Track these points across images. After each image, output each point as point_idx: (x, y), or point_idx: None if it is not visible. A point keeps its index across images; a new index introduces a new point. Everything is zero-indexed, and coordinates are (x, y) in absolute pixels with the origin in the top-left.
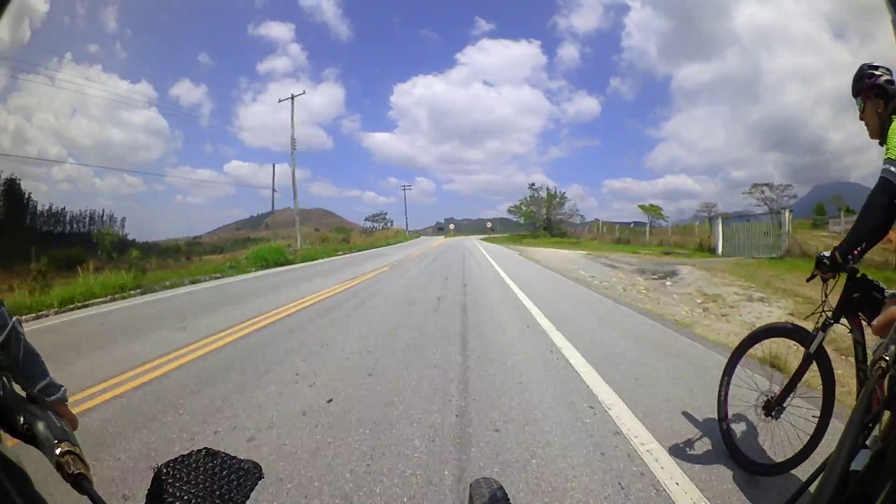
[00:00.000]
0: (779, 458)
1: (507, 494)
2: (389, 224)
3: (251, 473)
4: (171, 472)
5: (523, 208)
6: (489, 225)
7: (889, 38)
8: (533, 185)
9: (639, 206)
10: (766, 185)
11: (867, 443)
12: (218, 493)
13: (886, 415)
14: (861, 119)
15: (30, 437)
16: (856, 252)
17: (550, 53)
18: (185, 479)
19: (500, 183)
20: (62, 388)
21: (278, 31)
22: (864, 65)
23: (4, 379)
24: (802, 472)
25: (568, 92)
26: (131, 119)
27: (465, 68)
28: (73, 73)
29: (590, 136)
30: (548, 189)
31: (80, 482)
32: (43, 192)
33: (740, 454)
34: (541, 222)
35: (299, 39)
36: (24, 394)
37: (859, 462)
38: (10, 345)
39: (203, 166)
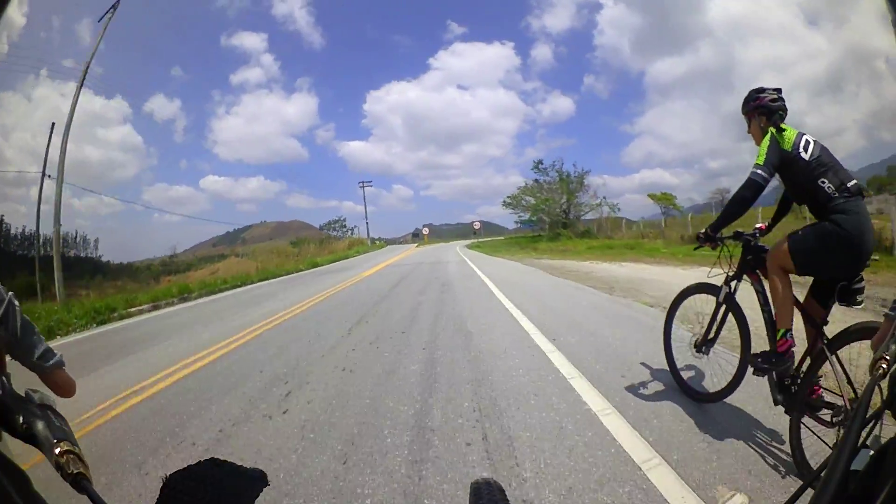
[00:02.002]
0: (714, 388)
1: (506, 495)
2: (350, 232)
3: (257, 481)
4: (179, 483)
5: (527, 199)
6: (477, 226)
7: (862, 19)
8: (540, 163)
9: (649, 195)
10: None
11: (868, 442)
12: (224, 502)
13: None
14: (748, 133)
15: (29, 437)
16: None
17: (524, 54)
18: (193, 489)
19: (479, 186)
20: (59, 354)
21: (251, 41)
22: (752, 90)
23: (4, 379)
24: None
25: (543, 92)
26: (107, 136)
27: (439, 73)
28: (50, 90)
29: (566, 136)
30: (560, 172)
31: (80, 482)
32: (22, 214)
33: (686, 386)
34: (558, 217)
35: (272, 49)
36: (23, 394)
37: (860, 462)
38: (9, 318)
39: (179, 182)
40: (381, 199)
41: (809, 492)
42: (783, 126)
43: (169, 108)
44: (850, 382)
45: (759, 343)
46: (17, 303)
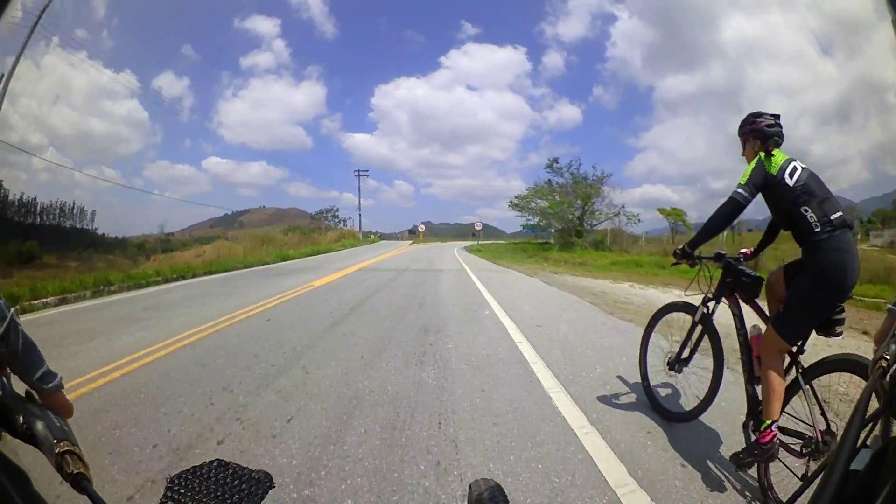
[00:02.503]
0: (687, 407)
1: (506, 495)
2: (343, 223)
3: (262, 483)
4: (184, 483)
5: (538, 201)
6: (478, 227)
7: (875, 51)
8: (555, 161)
9: (658, 209)
10: None
11: (868, 442)
12: (229, 503)
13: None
14: (743, 155)
15: (29, 437)
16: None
17: (535, 60)
18: (197, 489)
19: (480, 188)
20: (59, 377)
21: (264, 25)
22: (750, 114)
23: (4, 379)
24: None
25: (550, 99)
26: (113, 109)
27: (449, 72)
28: (59, 59)
29: (570, 144)
30: (576, 174)
31: (80, 481)
32: (23, 181)
33: (658, 405)
34: (570, 224)
35: (284, 35)
36: (23, 394)
37: (860, 462)
38: (10, 336)
39: (182, 161)
40: (382, 194)
41: (809, 492)
42: (774, 152)
43: (177, 86)
44: (823, 414)
45: (731, 361)
46: (18, 321)
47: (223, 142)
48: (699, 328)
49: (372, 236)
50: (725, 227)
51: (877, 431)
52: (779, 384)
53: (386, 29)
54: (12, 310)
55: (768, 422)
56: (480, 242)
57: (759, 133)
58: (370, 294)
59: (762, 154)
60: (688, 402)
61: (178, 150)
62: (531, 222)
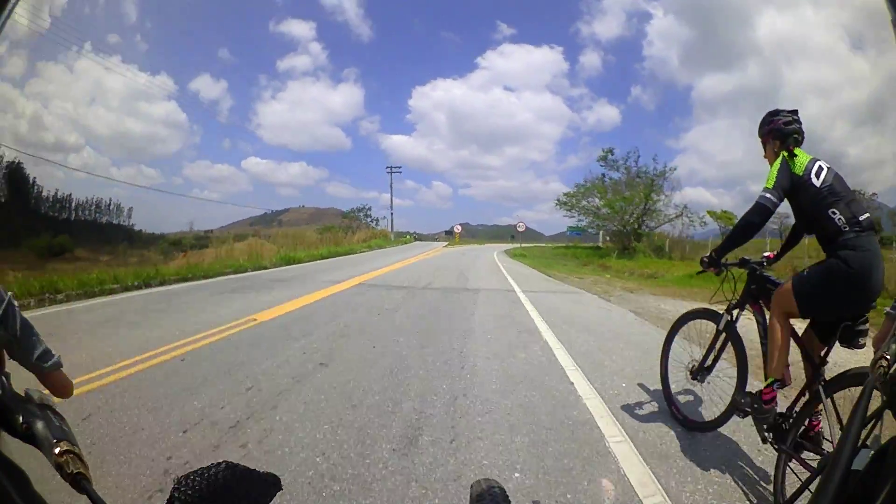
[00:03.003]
0: (708, 417)
1: (507, 495)
2: (376, 223)
3: (270, 485)
4: (191, 485)
5: (590, 201)
6: (521, 228)
7: None
8: (610, 152)
9: (708, 212)
10: None
11: (868, 442)
12: None
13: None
14: (764, 158)
15: (29, 437)
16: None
17: (572, 60)
18: (204, 491)
19: (517, 190)
20: (57, 356)
21: (299, 28)
22: (767, 113)
23: (3, 379)
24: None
25: (588, 100)
26: (150, 111)
27: (486, 72)
28: (93, 63)
29: (609, 146)
30: (633, 168)
31: (80, 482)
32: (59, 179)
33: (678, 412)
34: (629, 225)
35: (320, 38)
36: (22, 394)
37: (860, 462)
38: (8, 318)
39: (222, 161)
40: (420, 195)
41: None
42: (797, 151)
43: (215, 89)
44: (843, 429)
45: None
46: (16, 303)
47: (262, 142)
48: (723, 336)
49: (407, 237)
50: (754, 235)
51: (877, 431)
52: (784, 341)
53: (421, 30)
54: (9, 293)
55: (771, 379)
56: (523, 245)
57: (778, 132)
58: (327, 353)
59: (785, 154)
60: (710, 412)
61: (218, 151)
62: (582, 223)
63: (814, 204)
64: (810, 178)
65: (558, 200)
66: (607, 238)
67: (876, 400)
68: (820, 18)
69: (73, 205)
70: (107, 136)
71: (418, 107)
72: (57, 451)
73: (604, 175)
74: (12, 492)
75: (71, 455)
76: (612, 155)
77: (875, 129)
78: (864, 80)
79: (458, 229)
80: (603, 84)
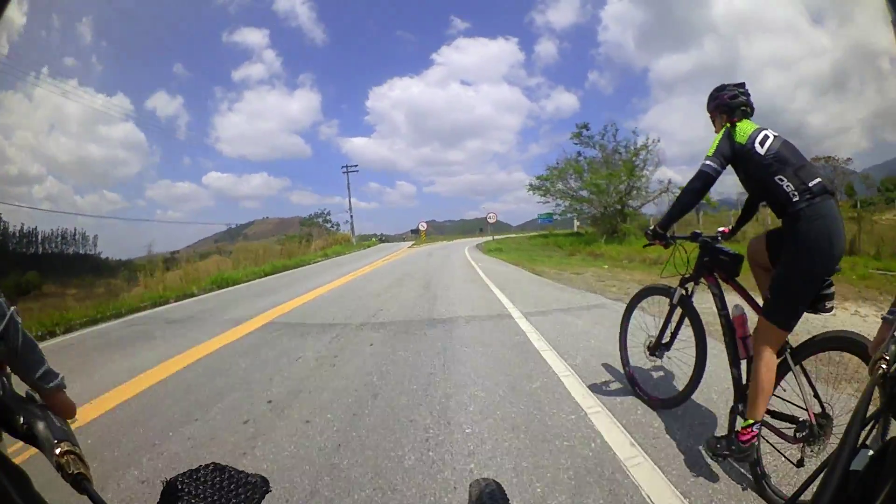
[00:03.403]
0: (672, 393)
1: (506, 494)
2: (336, 228)
3: (258, 487)
4: (180, 487)
5: (567, 183)
6: (492, 219)
7: (865, 18)
8: (585, 128)
9: (681, 189)
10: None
11: (868, 442)
12: None
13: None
14: (715, 132)
15: (30, 437)
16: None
17: (528, 50)
18: (194, 493)
19: (482, 183)
20: (60, 376)
21: (253, 37)
22: (714, 88)
23: (4, 379)
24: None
25: (546, 88)
26: (109, 133)
27: (442, 68)
28: (51, 89)
29: (570, 131)
30: (602, 145)
31: (80, 482)
32: (25, 212)
33: (640, 391)
34: (612, 206)
35: (274, 45)
36: (23, 394)
37: (860, 462)
38: (10, 334)
39: (182, 179)
40: (385, 196)
41: (809, 492)
42: (744, 122)
43: (171, 105)
44: (816, 396)
45: (714, 352)
46: (19, 319)
47: (222, 156)
48: (678, 311)
49: (372, 240)
50: (697, 202)
51: (877, 431)
52: (768, 383)
53: (375, 31)
54: (12, 308)
55: (750, 421)
56: (496, 237)
57: (725, 106)
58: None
59: (728, 125)
60: (671, 388)
61: (178, 168)
62: (561, 207)
63: (759, 172)
64: (754, 147)
65: (531, 185)
66: (584, 223)
67: (876, 401)
68: None
69: (40, 238)
70: (68, 164)
71: (376, 107)
72: (58, 451)
73: (579, 154)
74: (12, 492)
75: (72, 456)
76: (588, 130)
77: (838, 97)
78: (825, 51)
79: (423, 226)
80: (560, 72)
